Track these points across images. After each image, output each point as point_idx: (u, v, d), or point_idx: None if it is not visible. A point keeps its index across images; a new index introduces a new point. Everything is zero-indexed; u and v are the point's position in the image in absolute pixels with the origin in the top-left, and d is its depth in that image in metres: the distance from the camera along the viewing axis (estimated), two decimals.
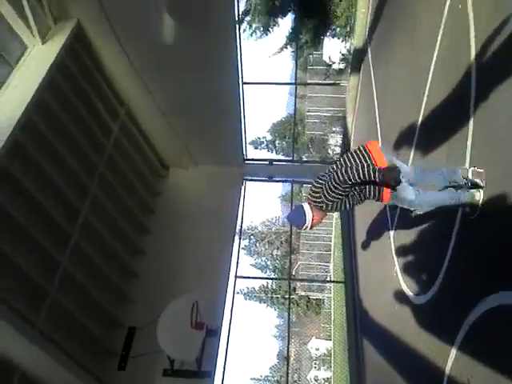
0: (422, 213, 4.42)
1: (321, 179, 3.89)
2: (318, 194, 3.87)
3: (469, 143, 3.78)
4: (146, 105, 8.73)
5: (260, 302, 29.84)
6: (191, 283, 8.55)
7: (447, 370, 3.81)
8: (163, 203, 10.17)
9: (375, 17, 8.54)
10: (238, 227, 10.85)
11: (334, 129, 24.09)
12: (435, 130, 4.77)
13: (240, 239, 12.24)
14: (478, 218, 3.57)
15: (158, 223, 9.78)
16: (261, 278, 30.86)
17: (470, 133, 3.76)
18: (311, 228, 4.12)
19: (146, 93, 8.33)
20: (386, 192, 3.88)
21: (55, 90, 6.78)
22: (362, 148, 3.93)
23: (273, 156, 27.10)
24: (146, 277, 8.98)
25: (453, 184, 3.86)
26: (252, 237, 29.30)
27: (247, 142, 11.26)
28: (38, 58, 6.62)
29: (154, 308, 7.58)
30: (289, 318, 15.30)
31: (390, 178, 3.63)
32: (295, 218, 4.14)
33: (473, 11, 3.81)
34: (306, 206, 3.99)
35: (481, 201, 3.54)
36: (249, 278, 18.98)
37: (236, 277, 10.26)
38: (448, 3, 4.37)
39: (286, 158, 20.95)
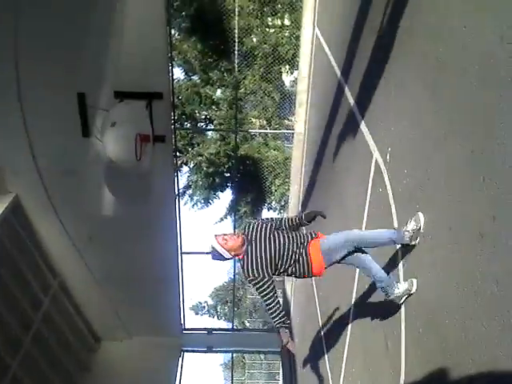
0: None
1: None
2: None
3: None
4: (81, 276, 8.38)
5: None
6: None
7: None
8: (92, 380, 9.16)
9: (307, 193, 8.96)
10: None
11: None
12: (368, 310, 4.69)
13: None
14: None
15: None
16: None
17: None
18: (236, 256, 3.74)
19: (82, 264, 8.04)
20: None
21: None
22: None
23: (215, 321, 26.00)
24: None
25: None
26: None
27: (187, 308, 10.88)
28: None
29: None
30: None
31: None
32: (219, 258, 3.79)
33: (392, 193, 3.99)
34: (217, 246, 3.69)
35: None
36: None
37: None
38: (370, 185, 4.60)
39: (226, 327, 20.07)
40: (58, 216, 7.21)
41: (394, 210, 3.94)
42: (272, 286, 3.66)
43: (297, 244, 3.69)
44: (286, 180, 10.72)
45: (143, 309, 9.44)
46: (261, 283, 3.61)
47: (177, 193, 8.85)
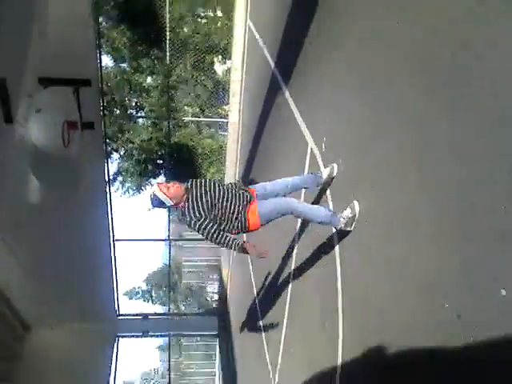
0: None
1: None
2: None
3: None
4: (6, 263, 7.76)
5: None
6: None
7: None
8: (22, 369, 8.64)
9: (243, 182, 8.88)
10: None
11: (211, 276, 23.74)
12: (304, 286, 4.68)
13: None
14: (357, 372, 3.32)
15: None
16: None
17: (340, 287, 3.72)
18: (177, 204, 3.67)
19: (7, 252, 7.45)
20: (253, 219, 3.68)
21: None
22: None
23: (149, 306, 25.59)
24: None
25: None
26: None
27: (121, 294, 10.56)
28: None
29: None
30: None
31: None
32: (159, 205, 3.71)
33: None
34: (159, 193, 3.61)
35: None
36: None
37: None
38: (306, 173, 4.55)
39: (162, 312, 19.78)
40: None
41: (329, 198, 3.94)
42: (214, 224, 3.61)
43: (236, 201, 3.67)
44: (222, 168, 10.58)
45: (76, 295, 9.06)
46: (203, 224, 3.58)
47: (107, 180, 8.49)
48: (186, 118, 10.79)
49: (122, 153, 10.92)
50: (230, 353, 10.12)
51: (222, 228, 3.70)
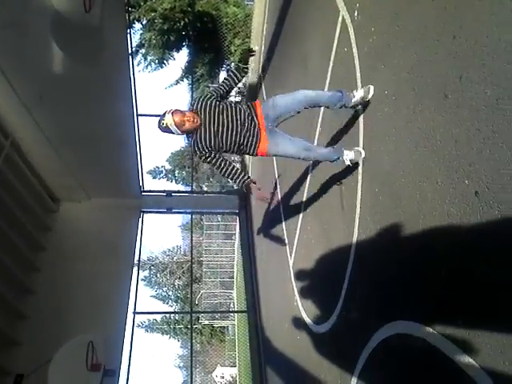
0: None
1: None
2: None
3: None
4: (34, 137, 8.10)
5: (162, 334, 28.70)
6: (87, 323, 7.98)
7: None
8: (54, 239, 9.41)
9: (268, 54, 8.71)
10: (136, 260, 10.37)
11: (233, 158, 24.27)
12: (326, 169, 4.84)
13: (138, 272, 11.72)
14: (372, 249, 3.58)
15: (48, 260, 9.01)
16: (161, 312, 29.74)
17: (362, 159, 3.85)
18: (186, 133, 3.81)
19: (34, 125, 7.74)
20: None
21: None
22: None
23: (172, 186, 26.55)
24: (35, 318, 8.18)
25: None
26: (152, 267, 28.33)
27: (145, 172, 10.87)
28: None
29: (45, 352, 6.88)
30: (191, 350, 14.68)
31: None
32: (167, 132, 3.77)
33: (358, 52, 3.92)
34: (172, 126, 3.67)
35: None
36: (148, 313, 18.31)
37: (135, 313, 9.73)
38: (335, 44, 4.49)
39: (185, 189, 20.50)
40: (4, 74, 6.76)
41: (358, 70, 3.93)
42: (222, 157, 3.84)
43: (246, 136, 3.79)
44: (247, 40, 10.28)
45: (101, 171, 9.46)
46: (209, 158, 3.81)
47: (130, 51, 8.39)
48: None
49: (144, 22, 10.65)
50: (250, 231, 10.67)
51: (230, 152, 3.89)
